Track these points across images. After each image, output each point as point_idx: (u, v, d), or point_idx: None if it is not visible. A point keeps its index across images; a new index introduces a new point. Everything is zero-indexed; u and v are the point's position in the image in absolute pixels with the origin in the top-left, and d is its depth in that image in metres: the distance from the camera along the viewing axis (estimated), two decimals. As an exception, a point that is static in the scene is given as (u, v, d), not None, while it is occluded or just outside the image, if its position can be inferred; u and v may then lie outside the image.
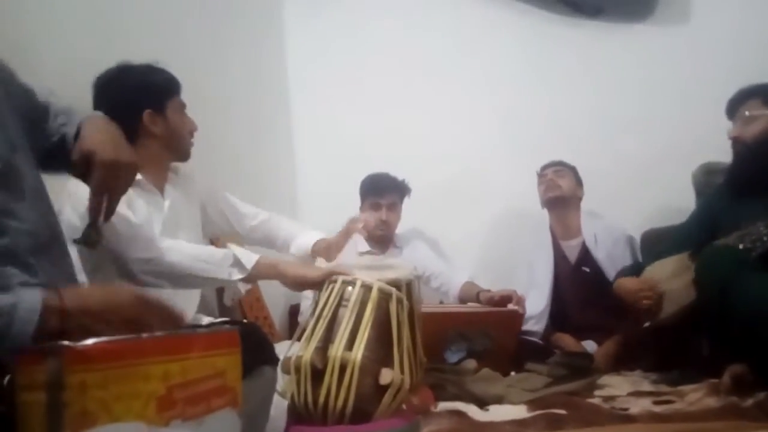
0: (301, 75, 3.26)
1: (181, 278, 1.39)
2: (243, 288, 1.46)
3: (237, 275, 1.42)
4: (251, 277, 1.45)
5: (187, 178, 1.70)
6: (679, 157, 2.56)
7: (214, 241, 1.91)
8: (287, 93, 3.26)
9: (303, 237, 1.80)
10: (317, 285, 1.51)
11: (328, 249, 1.74)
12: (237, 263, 1.42)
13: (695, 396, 1.48)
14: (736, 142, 1.88)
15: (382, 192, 2.56)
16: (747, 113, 1.87)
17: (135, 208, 1.46)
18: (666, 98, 2.82)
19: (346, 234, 1.82)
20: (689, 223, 2.03)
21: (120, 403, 0.58)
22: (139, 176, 1.51)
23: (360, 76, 3.18)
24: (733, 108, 1.92)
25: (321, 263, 1.72)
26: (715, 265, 1.57)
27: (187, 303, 1.57)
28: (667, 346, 1.90)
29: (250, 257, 1.44)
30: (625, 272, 2.07)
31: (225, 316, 1.76)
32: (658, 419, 1.28)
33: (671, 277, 1.83)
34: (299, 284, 1.51)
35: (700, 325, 1.68)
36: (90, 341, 0.57)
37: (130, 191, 1.49)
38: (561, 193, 2.58)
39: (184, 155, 1.65)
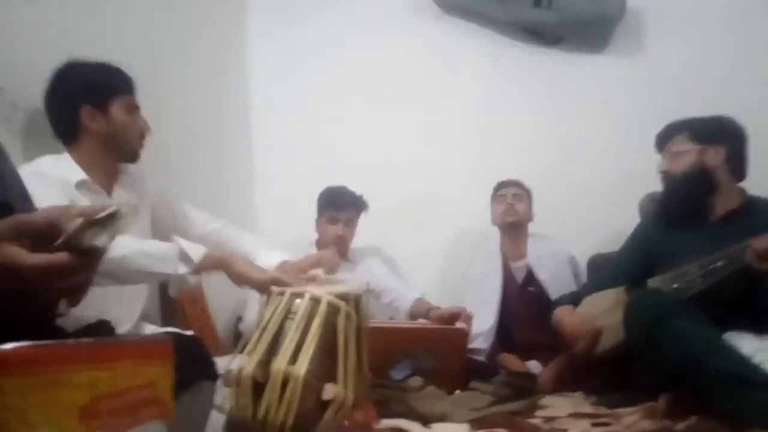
0: (264, 86, 3.25)
1: (126, 274, 1.35)
2: (191, 280, 1.43)
3: (183, 269, 1.39)
4: (198, 270, 1.42)
5: (138, 178, 1.66)
6: (630, 184, 2.64)
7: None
8: (249, 104, 3.24)
9: (267, 256, 1.76)
10: (259, 288, 1.50)
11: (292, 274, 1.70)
12: (183, 256, 1.40)
13: (632, 419, 1.52)
14: (666, 176, 1.92)
15: (341, 207, 2.55)
16: (674, 149, 1.90)
17: None
18: (619, 127, 2.92)
19: (311, 265, 1.79)
20: (625, 255, 2.08)
21: (39, 412, 0.56)
22: (84, 176, 1.48)
23: (323, 91, 3.19)
24: (661, 143, 1.96)
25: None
26: (641, 311, 1.60)
27: (130, 310, 1.53)
28: (609, 370, 1.94)
29: (197, 250, 1.41)
30: (563, 300, 2.11)
31: (168, 323, 1.72)
32: (595, 441, 1.30)
33: (608, 312, 1.87)
34: (242, 282, 1.49)
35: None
36: (9, 346, 0.55)
37: (75, 192, 1.46)
38: (518, 218, 2.65)
39: (129, 156, 1.61)
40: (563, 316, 2.00)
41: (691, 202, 1.84)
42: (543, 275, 2.55)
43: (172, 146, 2.21)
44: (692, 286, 1.67)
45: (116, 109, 1.54)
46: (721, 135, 1.85)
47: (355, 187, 2.63)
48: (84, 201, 1.45)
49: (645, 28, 3.05)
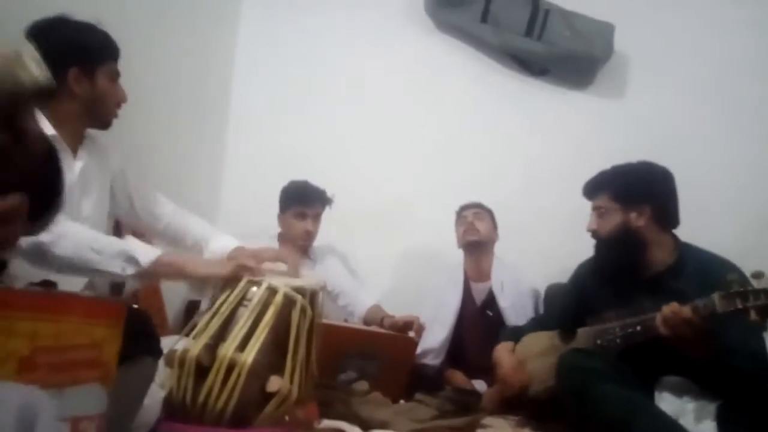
0: (247, 76, 3.23)
1: (69, 268, 1.30)
2: (137, 283, 1.38)
3: (130, 270, 1.35)
4: (148, 275, 1.38)
5: (103, 147, 1.63)
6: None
7: (119, 223, 1.82)
8: (229, 90, 3.22)
9: (221, 240, 1.73)
10: (226, 282, 1.46)
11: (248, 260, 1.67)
12: (132, 259, 1.35)
13: (569, 448, 1.54)
14: (594, 236, 1.88)
15: (309, 202, 2.51)
16: (599, 205, 1.85)
17: None
18: (592, 165, 2.97)
19: (270, 257, 1.75)
20: (563, 299, 2.09)
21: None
22: (53, 131, 1.44)
23: (305, 89, 3.18)
24: (587, 195, 1.92)
25: None
26: (568, 376, 1.61)
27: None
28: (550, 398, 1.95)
29: (148, 253, 1.37)
30: (505, 336, 2.12)
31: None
32: (531, 464, 1.31)
33: (540, 356, 1.89)
34: (206, 282, 1.46)
35: None
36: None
37: None
38: (479, 237, 2.64)
39: (105, 123, 1.58)
40: (501, 356, 2.00)
41: (619, 264, 1.79)
42: (504, 302, 2.55)
43: (144, 121, 2.16)
44: (612, 345, 1.69)
45: (102, 76, 1.51)
46: (644, 195, 1.79)
47: (324, 187, 2.60)
48: None
49: (628, 73, 3.13)
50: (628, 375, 1.56)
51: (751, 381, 1.49)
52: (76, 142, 1.54)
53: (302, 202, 2.51)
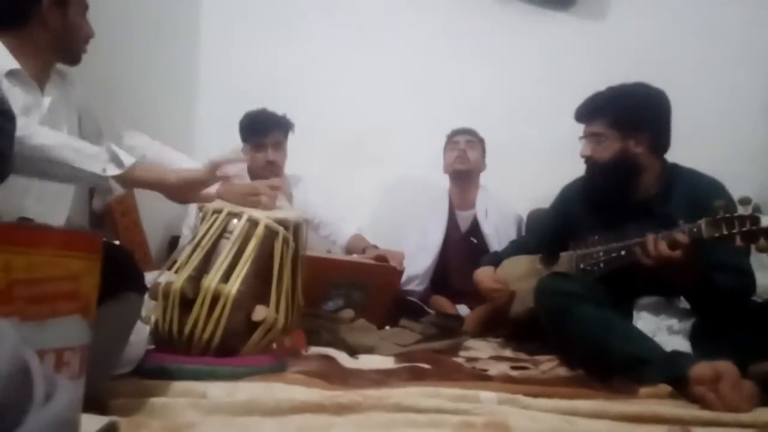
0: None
1: (48, 165, 1.26)
2: (116, 191, 1.37)
3: (113, 170, 1.32)
4: (128, 178, 1.35)
5: (68, 81, 1.58)
6: (575, 145, 2.68)
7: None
8: (199, 18, 3.10)
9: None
10: (202, 185, 1.46)
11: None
12: (114, 158, 1.33)
13: (548, 365, 1.59)
14: (589, 162, 1.82)
15: (265, 131, 2.42)
16: (595, 131, 1.78)
17: (11, 98, 1.32)
18: (574, 90, 2.93)
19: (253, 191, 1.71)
20: (545, 222, 2.09)
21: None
22: (16, 65, 1.38)
23: (284, 15, 3.08)
24: (582, 120, 1.84)
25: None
26: (547, 299, 1.60)
27: (53, 212, 1.46)
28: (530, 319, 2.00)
29: (128, 156, 1.36)
30: (486, 261, 2.14)
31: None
32: (512, 381, 1.35)
33: (521, 278, 1.92)
34: (183, 186, 1.44)
35: None
36: None
37: (4, 81, 1.36)
38: (470, 167, 2.65)
39: (74, 58, 1.54)
40: (482, 277, 2.04)
41: (614, 190, 1.75)
42: (487, 228, 2.58)
43: (111, 52, 2.08)
44: (595, 269, 1.70)
45: (73, 8, 1.47)
46: (643, 123, 1.72)
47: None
48: (14, 92, 1.36)
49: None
50: (606, 297, 1.58)
51: (734, 296, 1.51)
52: (43, 77, 1.49)
53: (257, 132, 2.43)
